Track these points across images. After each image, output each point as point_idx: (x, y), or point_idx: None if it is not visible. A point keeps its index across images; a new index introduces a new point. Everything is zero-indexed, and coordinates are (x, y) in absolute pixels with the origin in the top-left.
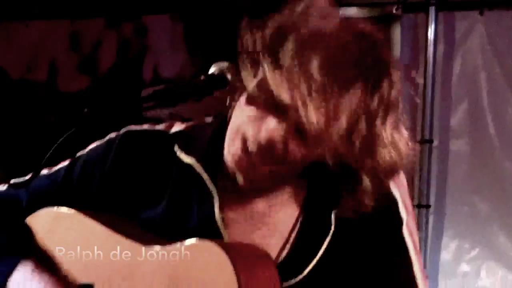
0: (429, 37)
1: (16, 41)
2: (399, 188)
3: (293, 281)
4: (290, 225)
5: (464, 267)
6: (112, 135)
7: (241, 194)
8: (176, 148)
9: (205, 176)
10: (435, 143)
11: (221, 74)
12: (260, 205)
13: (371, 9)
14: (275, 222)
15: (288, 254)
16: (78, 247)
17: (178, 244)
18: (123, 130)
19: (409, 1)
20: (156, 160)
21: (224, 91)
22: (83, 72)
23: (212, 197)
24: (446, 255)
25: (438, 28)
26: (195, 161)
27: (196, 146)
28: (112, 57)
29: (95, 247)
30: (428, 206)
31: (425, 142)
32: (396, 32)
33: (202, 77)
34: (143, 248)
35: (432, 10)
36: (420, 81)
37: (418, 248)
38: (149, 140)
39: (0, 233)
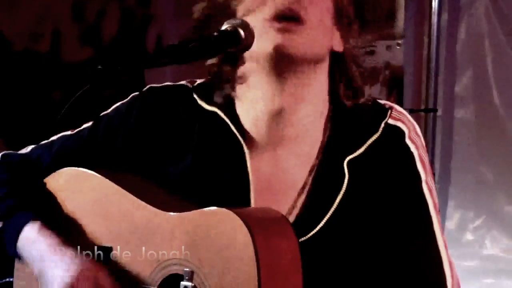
0: (433, 5)
1: (19, 11)
2: (416, 147)
3: (310, 234)
4: (305, 176)
5: (469, 236)
6: (135, 93)
7: (263, 143)
8: (196, 97)
9: (230, 123)
10: (439, 112)
11: (234, 30)
12: (279, 153)
13: None
14: (293, 173)
15: (303, 205)
16: (97, 208)
17: (196, 211)
18: (146, 87)
19: None
20: (179, 112)
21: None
22: (86, 42)
23: (241, 144)
24: (450, 224)
25: None
26: (218, 108)
27: (216, 93)
28: (115, 27)
29: (114, 209)
30: (433, 175)
31: (429, 111)
32: (400, 1)
33: (215, 33)
34: (162, 213)
35: None
36: (424, 49)
37: (437, 207)
38: (172, 94)
39: (13, 195)
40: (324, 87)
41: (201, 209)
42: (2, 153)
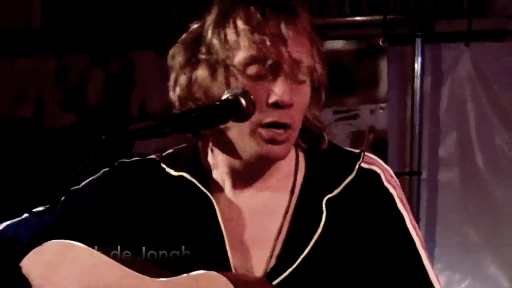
0: (416, 69)
1: (1, 78)
2: (394, 187)
3: (285, 274)
4: (280, 217)
5: None
6: (106, 168)
7: (232, 194)
8: (164, 166)
9: (197, 183)
10: (424, 174)
11: (235, 99)
12: (250, 200)
13: (358, 42)
14: (266, 215)
15: (282, 246)
16: (84, 279)
17: (184, 276)
18: (116, 162)
19: (395, 34)
20: (148, 183)
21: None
22: (69, 108)
23: (210, 201)
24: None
25: (424, 60)
26: (184, 172)
27: (182, 161)
28: (98, 93)
29: (102, 279)
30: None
31: (413, 174)
32: (383, 65)
33: (218, 103)
34: (150, 279)
35: (418, 42)
36: (408, 113)
37: (423, 244)
38: (141, 167)
39: None
40: None
41: (189, 274)
42: None
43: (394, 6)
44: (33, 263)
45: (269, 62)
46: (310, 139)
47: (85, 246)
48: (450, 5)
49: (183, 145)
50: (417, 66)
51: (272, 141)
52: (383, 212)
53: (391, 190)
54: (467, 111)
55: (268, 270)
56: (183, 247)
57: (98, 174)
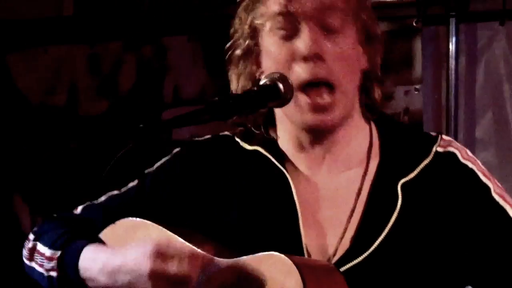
0: (450, 49)
1: (35, 67)
2: (473, 162)
3: (363, 256)
4: (354, 199)
5: None
6: (178, 149)
7: (306, 174)
8: (238, 140)
9: (272, 158)
10: None
11: (273, 84)
12: (324, 179)
13: (391, 22)
14: (342, 195)
15: (357, 227)
16: None
17: (249, 256)
18: (187, 141)
19: (429, 14)
20: (222, 158)
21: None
22: (102, 95)
23: (285, 178)
24: None
25: (459, 39)
26: (259, 146)
27: (257, 136)
28: (132, 79)
29: None
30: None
31: None
32: (417, 45)
33: (255, 88)
34: (218, 259)
35: (452, 22)
36: (443, 94)
37: (500, 189)
38: (215, 143)
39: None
40: (357, 104)
41: (255, 255)
42: (56, 214)
43: None
44: (106, 239)
45: (292, 12)
46: (374, 107)
47: (156, 225)
48: None
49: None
50: (452, 47)
51: (315, 108)
52: (466, 188)
53: (471, 165)
54: (503, 90)
55: (342, 254)
56: (256, 222)
57: (170, 155)
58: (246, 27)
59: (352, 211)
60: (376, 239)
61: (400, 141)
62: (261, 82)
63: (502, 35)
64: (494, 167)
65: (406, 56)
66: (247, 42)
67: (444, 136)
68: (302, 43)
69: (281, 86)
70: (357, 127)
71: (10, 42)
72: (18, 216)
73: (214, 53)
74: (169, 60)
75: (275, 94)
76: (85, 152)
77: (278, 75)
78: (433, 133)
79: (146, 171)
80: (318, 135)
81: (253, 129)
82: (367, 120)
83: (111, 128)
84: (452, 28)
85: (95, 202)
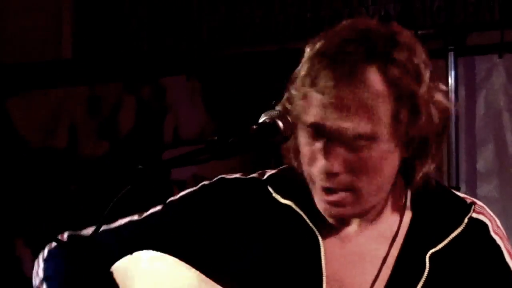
0: (449, 83)
1: (35, 110)
2: (501, 238)
3: None
4: (380, 263)
5: None
6: (206, 182)
7: (338, 232)
8: (271, 190)
9: (305, 217)
10: (463, 189)
11: (272, 122)
12: (355, 247)
13: None
14: (369, 257)
15: None
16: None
17: None
18: (216, 178)
19: (427, 48)
20: (252, 203)
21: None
22: (103, 137)
23: (316, 238)
24: None
25: (458, 73)
26: (293, 202)
27: (290, 186)
28: (131, 120)
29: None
30: None
31: (452, 188)
32: None
33: (254, 126)
34: None
35: (451, 56)
36: None
37: None
38: (244, 186)
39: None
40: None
41: None
42: (68, 233)
43: (424, 21)
44: (121, 271)
45: (309, 129)
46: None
47: (177, 260)
48: (481, 17)
49: (287, 166)
50: (451, 80)
51: (329, 202)
52: (490, 266)
53: (499, 241)
54: (503, 122)
55: None
56: (279, 278)
57: (197, 187)
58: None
59: (377, 275)
60: None
61: (433, 207)
62: (261, 120)
63: (501, 68)
64: (496, 199)
65: None
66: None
67: (479, 203)
68: (318, 161)
69: (280, 124)
70: (392, 205)
71: (9, 86)
72: (20, 260)
73: (213, 93)
74: (169, 101)
75: (274, 131)
76: (85, 193)
77: (278, 112)
78: (468, 200)
79: (169, 199)
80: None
81: (289, 175)
82: (405, 194)
83: (110, 169)
84: (451, 62)
85: (112, 225)
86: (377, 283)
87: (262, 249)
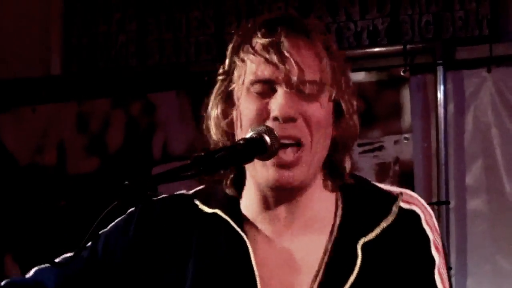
0: (438, 97)
1: (23, 127)
2: (432, 231)
3: None
4: (316, 261)
5: None
6: (132, 209)
7: (267, 236)
8: (197, 202)
9: (231, 221)
10: (452, 203)
11: (259, 137)
12: (286, 243)
13: (378, 73)
14: (302, 258)
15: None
16: None
17: None
18: (143, 202)
19: (416, 63)
20: (178, 218)
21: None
22: (92, 153)
23: (244, 241)
24: None
25: (447, 87)
26: (219, 209)
27: (216, 198)
28: (120, 137)
29: None
30: (449, 268)
31: (441, 203)
32: (405, 94)
33: (242, 141)
34: None
35: (440, 70)
36: (433, 142)
37: (445, 268)
38: (169, 203)
39: None
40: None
41: None
42: (5, 281)
43: (413, 35)
44: None
45: (266, 78)
46: (340, 175)
47: None
48: (470, 32)
49: (219, 178)
50: (440, 95)
51: (278, 164)
52: (417, 256)
53: (429, 233)
54: (492, 137)
55: None
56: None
57: (124, 215)
58: (227, 70)
59: (316, 276)
60: None
61: (361, 200)
62: (248, 135)
63: (489, 82)
64: (485, 214)
65: (395, 106)
66: (226, 87)
67: (407, 191)
68: (275, 104)
69: (267, 139)
70: (322, 193)
71: None
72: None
73: (202, 108)
74: (158, 117)
75: (262, 147)
76: (74, 210)
77: (264, 128)
78: (395, 191)
79: (101, 231)
80: (281, 194)
81: (216, 188)
82: (335, 187)
83: (97, 186)
84: (440, 76)
85: (48, 265)
86: (316, 282)
87: (197, 262)
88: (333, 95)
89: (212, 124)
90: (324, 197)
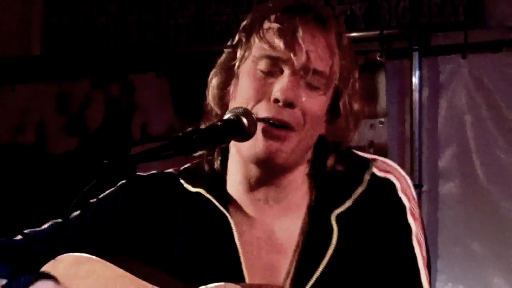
0: (414, 83)
1: (3, 106)
2: (408, 199)
3: None
4: (296, 238)
5: None
6: (123, 181)
7: (250, 216)
8: (182, 181)
9: (215, 200)
10: (425, 187)
11: (236, 119)
12: (268, 223)
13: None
14: (282, 237)
15: (296, 265)
16: None
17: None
18: (132, 177)
19: (392, 48)
20: (165, 197)
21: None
22: (71, 133)
23: (227, 220)
24: None
25: (422, 73)
26: (202, 189)
27: (202, 176)
28: (100, 117)
29: None
30: (423, 228)
31: (415, 187)
32: (381, 79)
33: (219, 123)
34: None
35: (415, 56)
36: (407, 126)
37: (425, 260)
38: (158, 181)
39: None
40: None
41: (207, 286)
42: None
43: (390, 21)
44: (47, 276)
45: (275, 56)
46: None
47: (100, 259)
48: (446, 18)
49: (201, 160)
50: (415, 80)
51: (269, 135)
52: (392, 224)
53: (405, 201)
54: (466, 122)
55: None
56: (198, 265)
57: (115, 187)
58: (243, 37)
59: (295, 250)
60: (313, 273)
61: (334, 173)
62: (225, 117)
63: (464, 68)
64: (458, 197)
65: (371, 90)
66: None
67: (385, 160)
68: (279, 86)
69: (245, 120)
70: (303, 184)
71: None
72: None
73: (181, 90)
74: (137, 97)
75: (239, 128)
76: (52, 188)
77: (242, 109)
78: (366, 157)
79: (90, 201)
80: (264, 171)
81: (202, 166)
82: (314, 181)
83: (77, 164)
84: (415, 62)
85: (38, 229)
86: (291, 258)
87: (182, 240)
88: (335, 93)
89: (209, 92)
90: (303, 186)
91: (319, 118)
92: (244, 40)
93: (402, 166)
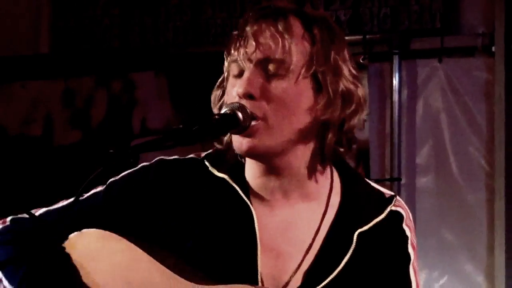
0: (394, 84)
1: (13, 101)
2: (410, 231)
3: None
4: (311, 235)
5: None
6: (145, 163)
7: (269, 204)
8: (208, 164)
9: (239, 189)
10: (403, 180)
11: (232, 113)
12: (285, 213)
13: None
14: (299, 230)
15: (310, 264)
16: (121, 272)
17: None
18: (155, 159)
19: (374, 52)
20: (190, 181)
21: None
22: (75, 126)
23: (249, 209)
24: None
25: (401, 75)
26: (227, 175)
27: (226, 162)
28: (103, 112)
29: (139, 275)
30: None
31: (394, 180)
32: (364, 81)
33: (216, 116)
34: (186, 283)
35: (395, 59)
36: (387, 124)
37: (419, 283)
38: (182, 165)
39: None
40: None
41: (226, 285)
42: (11, 217)
43: (372, 27)
44: (72, 249)
45: (235, 59)
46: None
47: (123, 239)
48: (424, 25)
49: (220, 147)
50: (395, 81)
51: (238, 132)
52: (395, 252)
53: (408, 232)
54: (441, 121)
55: (294, 287)
56: (215, 246)
57: (136, 168)
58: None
59: (310, 246)
60: (328, 276)
61: (361, 194)
62: (222, 111)
63: (440, 71)
64: (433, 191)
65: None
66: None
67: (397, 197)
68: (239, 82)
69: (240, 115)
70: (315, 171)
71: None
72: None
73: (178, 87)
74: (137, 94)
75: (234, 122)
76: (59, 176)
77: (238, 104)
78: (389, 194)
79: (111, 179)
80: (259, 161)
81: (224, 153)
82: (325, 161)
83: (83, 154)
84: (396, 64)
85: (59, 206)
86: (309, 254)
87: (202, 224)
88: (305, 75)
89: (212, 101)
90: (317, 176)
91: (289, 102)
92: (227, 49)
93: (382, 161)
